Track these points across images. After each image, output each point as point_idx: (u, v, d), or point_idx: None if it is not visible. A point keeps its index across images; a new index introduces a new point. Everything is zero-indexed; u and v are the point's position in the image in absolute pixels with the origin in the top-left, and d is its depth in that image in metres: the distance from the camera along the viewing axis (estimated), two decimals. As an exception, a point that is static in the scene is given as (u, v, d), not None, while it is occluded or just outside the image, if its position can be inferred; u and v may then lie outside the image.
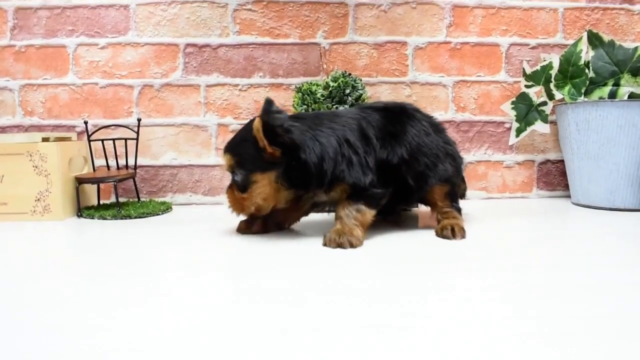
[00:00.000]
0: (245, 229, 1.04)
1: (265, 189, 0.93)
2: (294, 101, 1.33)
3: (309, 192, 0.96)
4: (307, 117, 0.99)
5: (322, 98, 1.28)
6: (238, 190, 0.96)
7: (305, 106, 1.29)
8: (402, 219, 1.18)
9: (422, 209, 1.28)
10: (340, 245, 0.89)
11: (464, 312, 0.56)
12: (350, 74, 1.32)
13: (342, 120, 0.98)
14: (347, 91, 1.28)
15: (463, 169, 1.11)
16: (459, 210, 1.05)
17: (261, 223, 1.04)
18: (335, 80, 1.29)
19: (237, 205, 0.98)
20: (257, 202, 0.95)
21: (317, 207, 1.07)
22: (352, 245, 0.89)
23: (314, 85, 1.31)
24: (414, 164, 0.98)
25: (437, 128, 1.07)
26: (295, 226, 1.11)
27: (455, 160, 1.06)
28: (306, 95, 1.30)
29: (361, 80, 1.33)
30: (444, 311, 0.57)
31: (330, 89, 1.28)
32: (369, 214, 0.94)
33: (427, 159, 1.00)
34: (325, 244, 0.91)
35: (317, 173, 0.91)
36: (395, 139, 0.98)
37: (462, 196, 1.16)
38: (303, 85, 1.32)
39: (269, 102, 0.91)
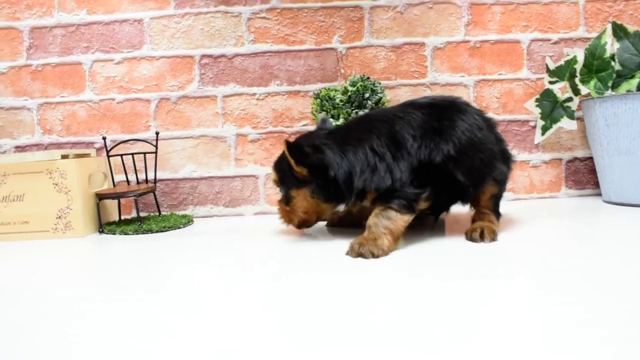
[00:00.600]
0: (332, 223, 1.18)
1: (303, 204, 1.00)
2: (312, 108, 1.31)
3: (348, 203, 0.97)
4: (337, 131, 1.02)
5: (341, 103, 1.26)
6: (285, 203, 1.04)
7: (324, 112, 1.27)
8: (433, 225, 1.15)
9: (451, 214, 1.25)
10: (361, 255, 0.85)
11: (519, 320, 0.53)
12: (368, 78, 1.29)
13: (372, 127, 0.96)
14: (367, 95, 1.26)
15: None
16: (498, 214, 1.01)
17: (338, 219, 1.15)
18: (353, 84, 1.27)
19: (285, 217, 1.07)
20: (299, 215, 1.03)
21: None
22: (373, 256, 0.84)
23: (332, 90, 1.29)
24: (465, 160, 0.92)
25: (489, 123, 1.01)
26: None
27: (509, 160, 1.01)
28: (325, 102, 1.27)
29: (380, 83, 1.30)
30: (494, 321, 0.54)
31: (349, 93, 1.26)
32: (401, 220, 0.89)
33: (482, 155, 0.94)
34: (347, 253, 0.87)
35: (347, 188, 0.93)
36: (439, 135, 0.92)
37: None
38: (321, 92, 1.30)
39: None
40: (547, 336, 0.48)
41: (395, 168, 0.90)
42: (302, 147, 0.95)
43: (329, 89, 1.30)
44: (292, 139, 1.42)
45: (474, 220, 1.00)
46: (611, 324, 0.50)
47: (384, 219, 0.89)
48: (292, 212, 1.03)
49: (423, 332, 0.51)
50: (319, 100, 1.29)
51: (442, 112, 0.95)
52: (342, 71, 1.46)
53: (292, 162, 0.94)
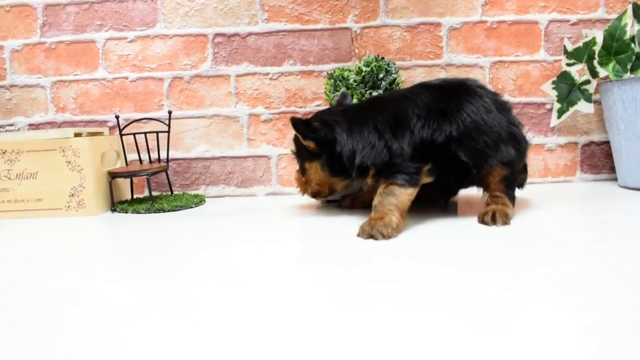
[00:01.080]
0: (344, 204, 1.19)
1: (316, 176, 1.06)
2: (325, 88, 1.30)
3: (354, 179, 1.01)
4: (350, 109, 1.05)
5: (355, 84, 1.25)
6: (301, 174, 1.11)
7: (337, 93, 1.26)
8: (445, 207, 1.14)
9: (463, 196, 1.24)
10: (371, 237, 0.85)
11: (526, 307, 0.53)
12: (383, 58, 1.28)
13: (380, 107, 0.99)
14: (381, 76, 1.24)
15: (527, 154, 1.03)
16: (512, 198, 0.99)
17: (350, 200, 1.18)
18: (368, 64, 1.25)
19: (301, 186, 1.13)
20: (313, 186, 1.09)
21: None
22: (384, 236, 0.84)
23: (346, 70, 1.27)
24: (468, 141, 0.92)
25: (503, 106, 0.99)
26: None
27: (520, 144, 0.98)
28: (338, 82, 1.26)
29: (394, 64, 1.29)
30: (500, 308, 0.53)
31: (363, 74, 1.24)
32: (405, 194, 0.90)
33: (487, 137, 0.93)
34: (358, 235, 0.87)
35: (350, 164, 0.97)
36: (443, 116, 0.93)
37: (520, 185, 1.09)
38: (335, 72, 1.28)
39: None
40: (555, 334, 0.48)
41: (394, 144, 0.92)
42: (310, 123, 1.01)
43: (342, 69, 1.28)
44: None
45: (487, 205, 0.99)
46: (625, 318, 0.50)
47: (387, 197, 0.90)
48: (307, 182, 1.09)
49: (425, 329, 0.50)
50: (332, 80, 1.28)
51: (450, 94, 0.96)
52: (357, 51, 1.44)
53: (299, 136, 1.01)
